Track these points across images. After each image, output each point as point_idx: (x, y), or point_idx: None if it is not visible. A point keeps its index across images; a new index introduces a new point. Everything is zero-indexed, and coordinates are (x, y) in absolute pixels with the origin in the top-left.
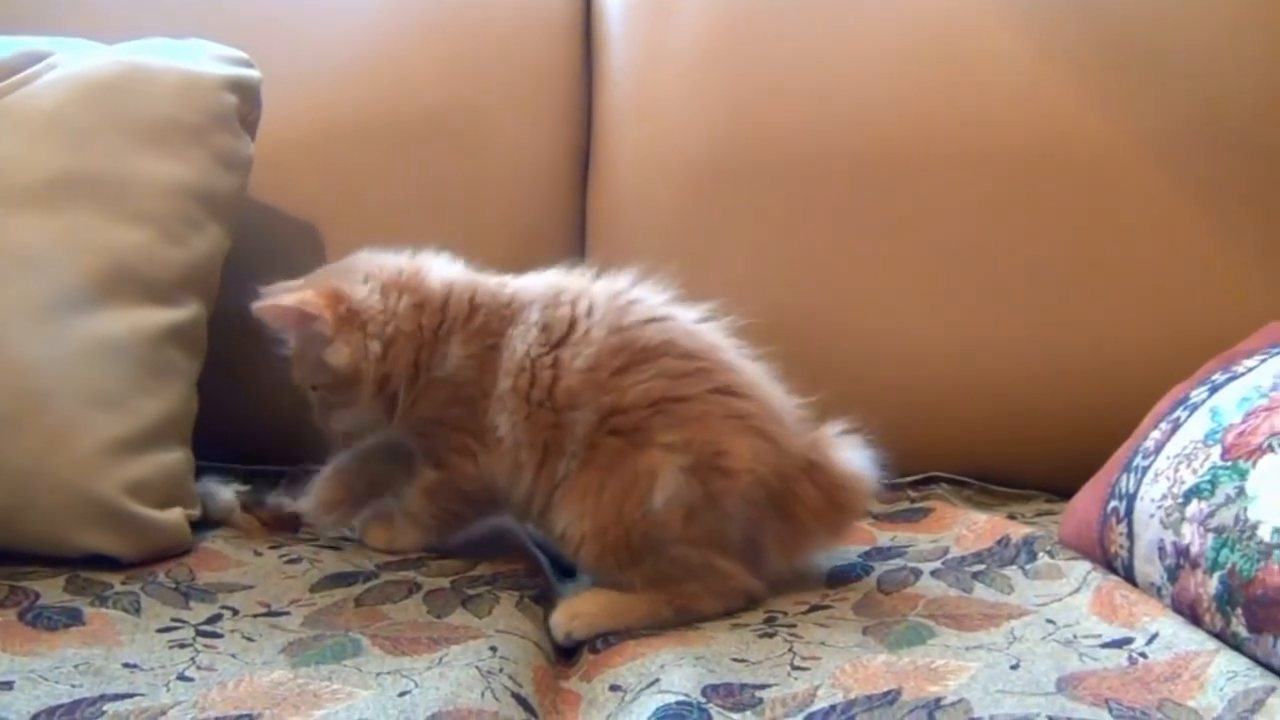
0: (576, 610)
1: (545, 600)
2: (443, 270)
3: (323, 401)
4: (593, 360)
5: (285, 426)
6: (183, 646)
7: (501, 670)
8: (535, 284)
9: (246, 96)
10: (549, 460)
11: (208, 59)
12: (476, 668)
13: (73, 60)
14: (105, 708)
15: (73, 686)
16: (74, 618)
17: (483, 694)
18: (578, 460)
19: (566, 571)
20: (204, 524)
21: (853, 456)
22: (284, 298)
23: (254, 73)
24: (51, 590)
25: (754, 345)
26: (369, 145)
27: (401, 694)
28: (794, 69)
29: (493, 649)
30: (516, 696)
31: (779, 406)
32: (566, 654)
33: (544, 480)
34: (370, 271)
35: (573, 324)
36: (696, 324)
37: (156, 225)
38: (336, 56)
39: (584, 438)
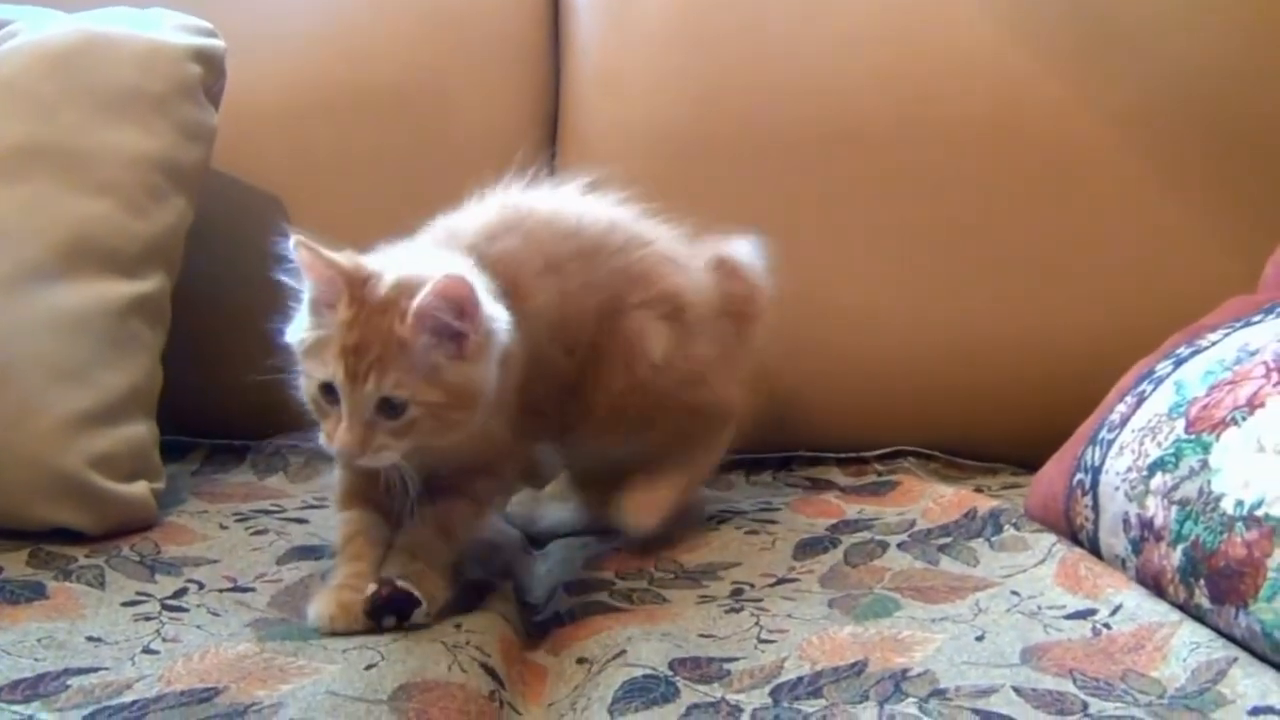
0: (639, 503)
1: (506, 581)
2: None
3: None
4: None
5: (250, 400)
6: (148, 619)
7: (468, 643)
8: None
9: (210, 66)
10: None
11: (171, 28)
12: (442, 642)
13: (34, 29)
14: (69, 681)
15: (36, 660)
16: (37, 591)
17: (450, 667)
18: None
19: (535, 543)
20: (168, 497)
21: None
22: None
23: (218, 43)
24: (14, 564)
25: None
26: (334, 116)
27: (368, 667)
28: (761, 43)
29: (457, 625)
30: (484, 666)
31: (672, 237)
32: (540, 629)
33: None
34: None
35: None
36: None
37: (119, 196)
38: (301, 27)
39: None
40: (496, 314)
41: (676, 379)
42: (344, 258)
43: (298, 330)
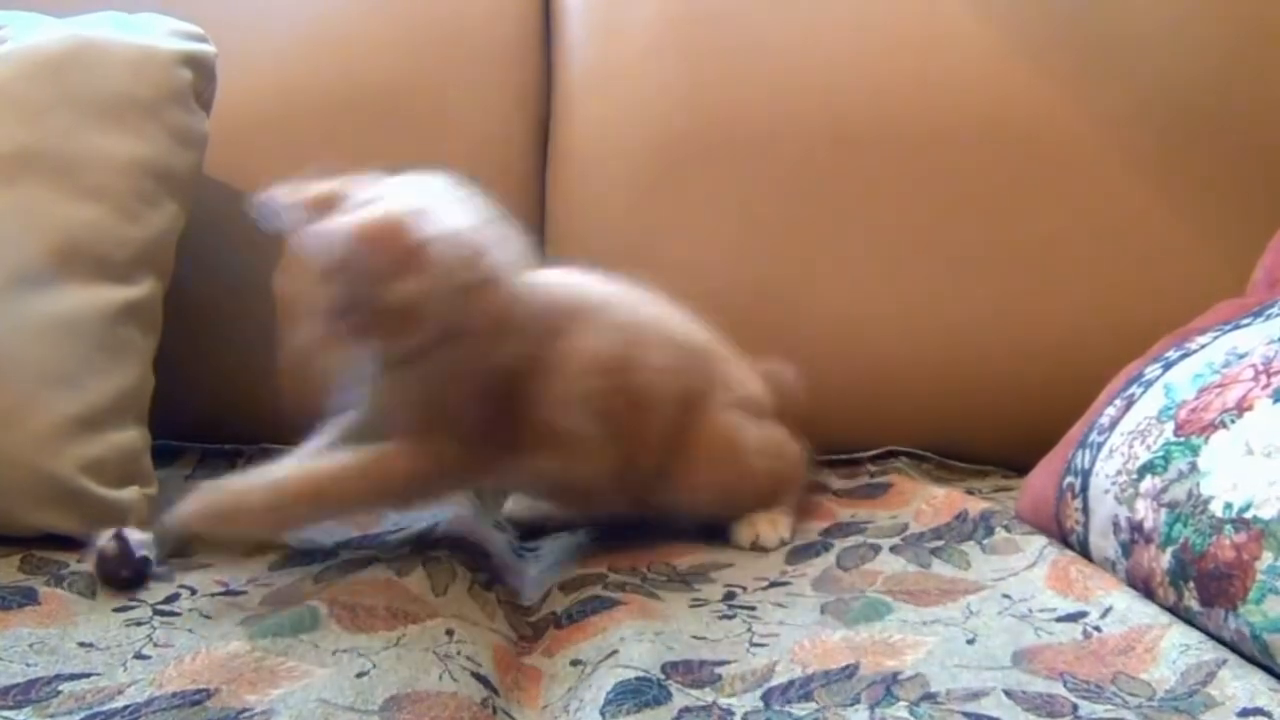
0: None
1: (497, 585)
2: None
3: (350, 329)
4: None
5: (242, 404)
6: (139, 625)
7: (459, 653)
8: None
9: (202, 72)
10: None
11: (162, 34)
12: (434, 652)
13: (24, 34)
14: (61, 687)
15: (27, 665)
16: (29, 597)
17: (440, 676)
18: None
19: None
20: (161, 502)
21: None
22: (352, 219)
23: (209, 48)
24: (6, 570)
25: (712, 320)
26: (326, 121)
27: (359, 675)
28: (754, 47)
29: (449, 632)
30: (476, 675)
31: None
32: (535, 630)
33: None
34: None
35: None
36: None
37: (111, 202)
38: (292, 32)
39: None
40: None
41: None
42: None
43: None
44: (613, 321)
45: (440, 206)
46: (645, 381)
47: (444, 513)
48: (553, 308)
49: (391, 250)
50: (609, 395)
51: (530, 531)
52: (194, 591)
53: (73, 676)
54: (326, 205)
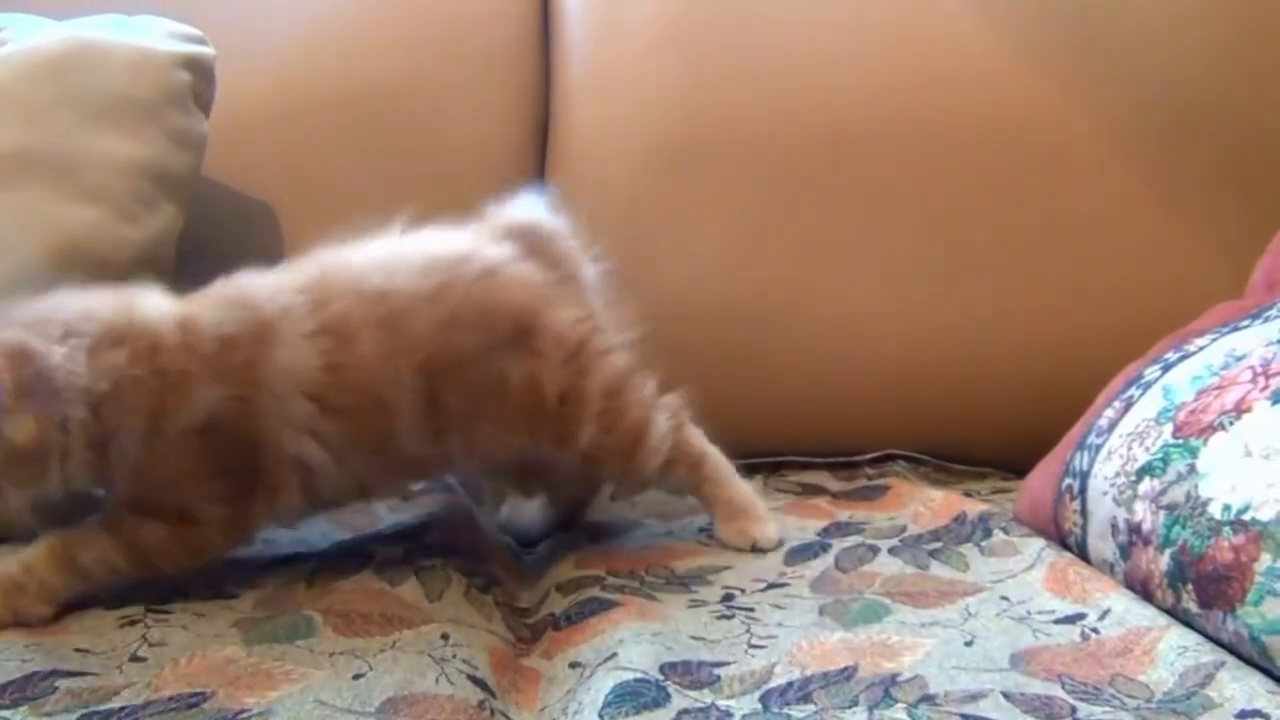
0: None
1: (495, 587)
2: (160, 307)
3: None
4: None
5: None
6: (133, 624)
7: (455, 656)
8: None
9: (200, 74)
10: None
11: (161, 35)
12: (430, 655)
13: (23, 36)
14: (58, 684)
15: (23, 661)
16: None
17: (437, 679)
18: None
19: (526, 544)
20: None
21: (533, 209)
22: None
23: (208, 50)
24: None
25: (711, 320)
26: (325, 123)
27: (356, 676)
28: (753, 48)
29: (444, 636)
30: (472, 679)
31: (474, 240)
32: (534, 632)
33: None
34: (72, 325)
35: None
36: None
37: (109, 203)
38: (292, 33)
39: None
40: None
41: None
42: None
43: None
44: (299, 330)
45: (48, 323)
46: (366, 376)
47: (438, 512)
48: (230, 340)
49: (4, 383)
50: (330, 409)
51: (528, 540)
52: (186, 596)
53: (69, 674)
54: None
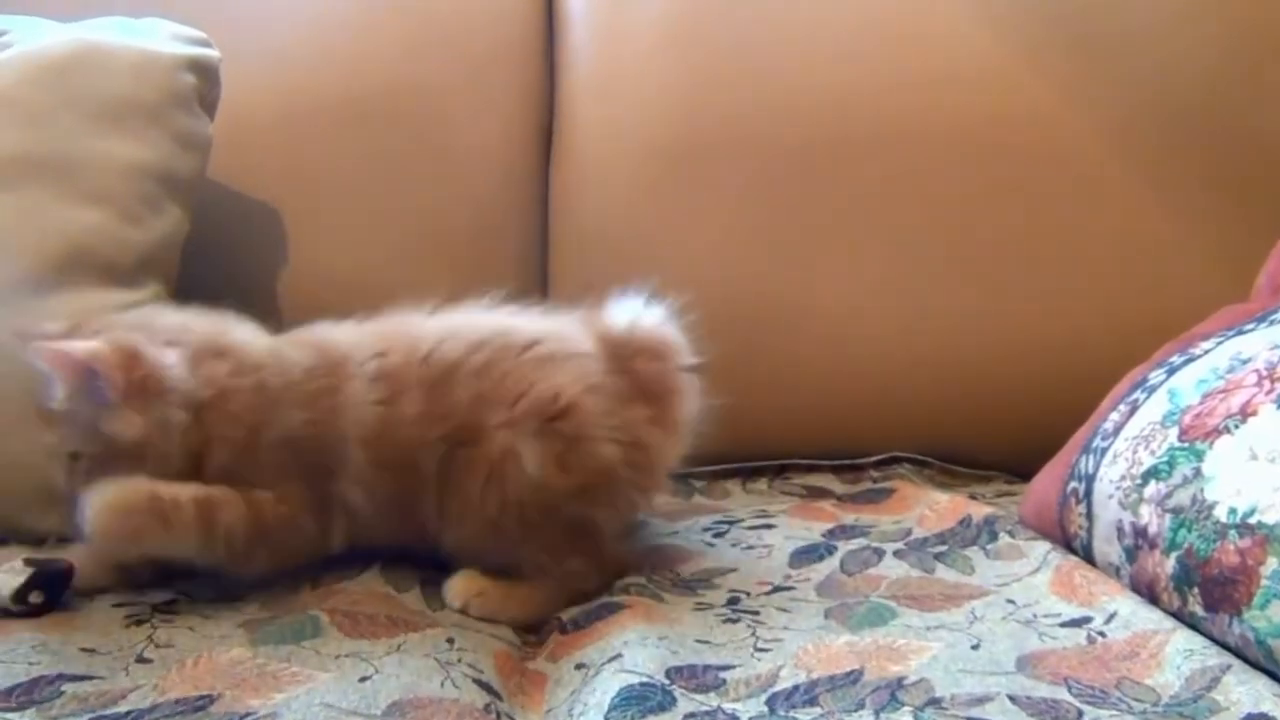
0: (481, 588)
1: None
2: (250, 331)
3: (85, 472)
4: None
5: None
6: (139, 623)
7: (460, 660)
8: (353, 333)
9: (205, 76)
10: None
11: (166, 38)
12: (435, 659)
13: (28, 38)
14: (64, 687)
15: (30, 664)
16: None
17: (442, 683)
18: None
19: None
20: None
21: (635, 316)
22: (73, 344)
23: (213, 52)
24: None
25: (715, 322)
26: (330, 125)
27: (362, 679)
28: (754, 50)
29: (450, 640)
30: (478, 682)
31: (558, 328)
32: (539, 636)
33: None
34: (173, 336)
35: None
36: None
37: (114, 206)
38: (296, 36)
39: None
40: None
41: (563, 493)
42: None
43: None
44: (364, 378)
45: (150, 331)
46: (406, 436)
47: None
48: (313, 371)
49: (115, 381)
50: (375, 462)
51: None
52: (190, 598)
53: (76, 678)
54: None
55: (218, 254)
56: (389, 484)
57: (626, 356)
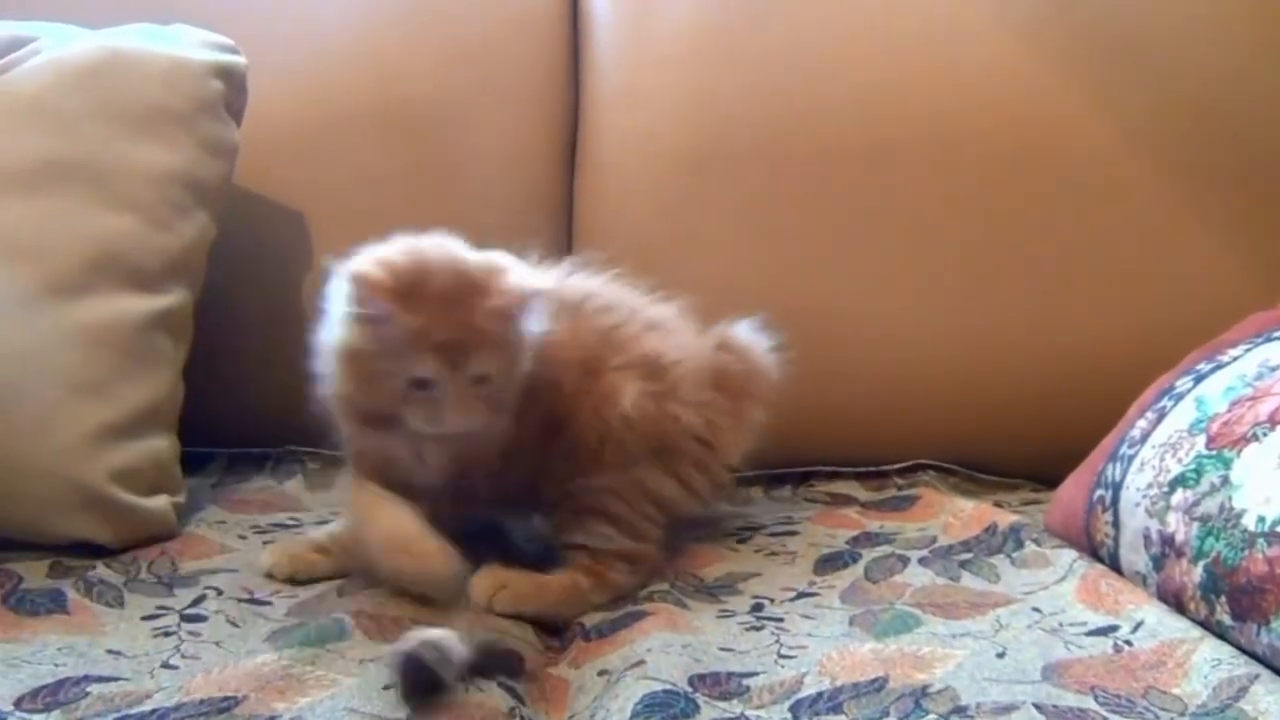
0: (505, 580)
1: None
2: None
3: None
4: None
5: (269, 410)
6: (167, 635)
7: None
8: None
9: (232, 83)
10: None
11: (194, 45)
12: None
13: (57, 46)
14: (90, 689)
15: (56, 666)
16: (58, 603)
17: (467, 687)
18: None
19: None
20: (187, 508)
21: (746, 333)
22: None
23: (240, 59)
24: (35, 575)
25: None
26: (356, 133)
27: (386, 686)
28: (778, 58)
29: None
30: (502, 685)
31: (671, 312)
32: (563, 642)
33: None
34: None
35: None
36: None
37: (142, 212)
38: (323, 44)
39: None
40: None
41: (650, 433)
42: (383, 271)
43: (350, 340)
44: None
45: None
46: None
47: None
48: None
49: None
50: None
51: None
52: (220, 593)
53: (101, 679)
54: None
55: (244, 259)
56: (537, 409)
57: (721, 352)
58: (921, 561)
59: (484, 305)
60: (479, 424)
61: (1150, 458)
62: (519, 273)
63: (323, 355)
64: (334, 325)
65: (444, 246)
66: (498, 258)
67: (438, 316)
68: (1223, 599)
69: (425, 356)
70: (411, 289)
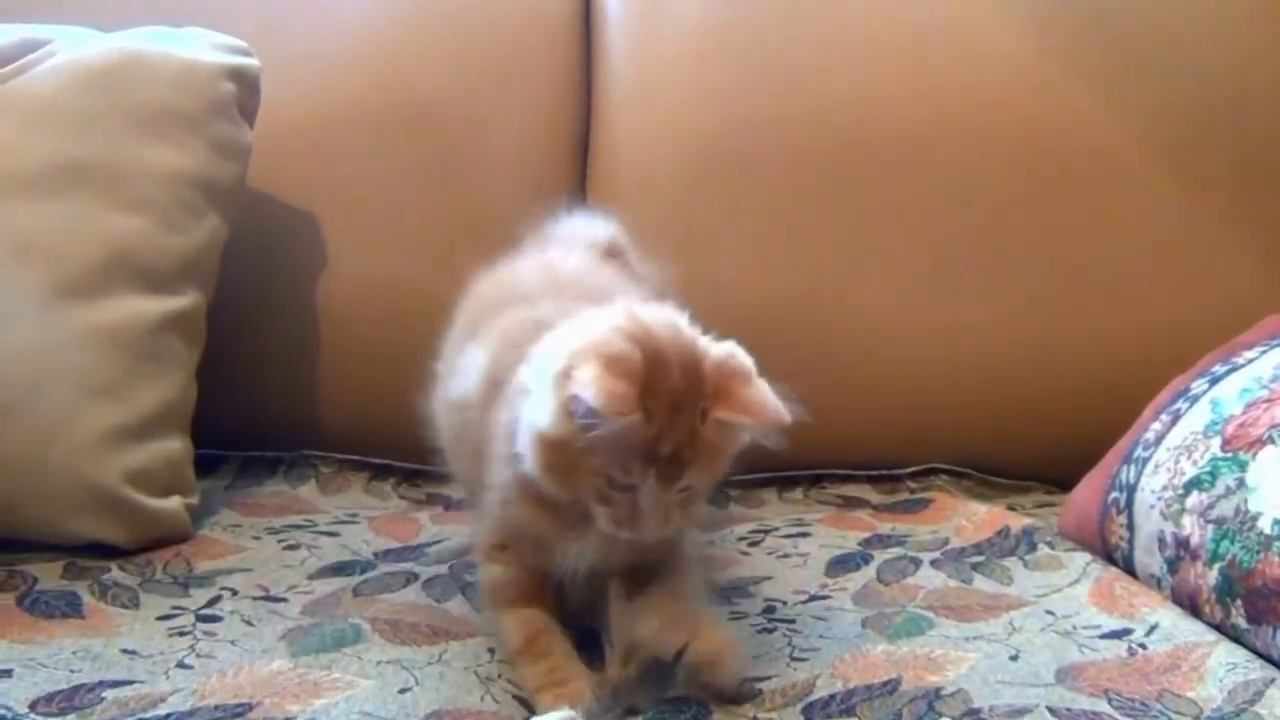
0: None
1: None
2: None
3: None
4: None
5: (282, 413)
6: (182, 634)
7: (500, 675)
8: None
9: (245, 85)
10: None
11: (207, 47)
12: (475, 673)
13: (71, 48)
14: (105, 694)
15: (71, 672)
16: (73, 606)
17: (482, 697)
18: None
19: None
20: (201, 510)
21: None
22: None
23: (253, 61)
24: (49, 576)
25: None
26: (368, 134)
27: (402, 690)
28: (789, 55)
29: (491, 651)
30: (516, 698)
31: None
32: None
33: None
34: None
35: None
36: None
37: (156, 213)
38: (335, 44)
39: None
40: None
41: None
42: (625, 384)
43: (558, 430)
44: None
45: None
46: None
47: None
48: None
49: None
50: None
51: None
52: (235, 593)
53: (116, 683)
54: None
55: (256, 260)
56: None
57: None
58: (934, 564)
59: (714, 414)
60: (671, 532)
61: (1165, 460)
62: (759, 385)
63: (520, 433)
64: (541, 408)
65: (675, 328)
66: (733, 353)
67: (666, 426)
68: (1238, 602)
69: (645, 469)
70: (645, 393)
